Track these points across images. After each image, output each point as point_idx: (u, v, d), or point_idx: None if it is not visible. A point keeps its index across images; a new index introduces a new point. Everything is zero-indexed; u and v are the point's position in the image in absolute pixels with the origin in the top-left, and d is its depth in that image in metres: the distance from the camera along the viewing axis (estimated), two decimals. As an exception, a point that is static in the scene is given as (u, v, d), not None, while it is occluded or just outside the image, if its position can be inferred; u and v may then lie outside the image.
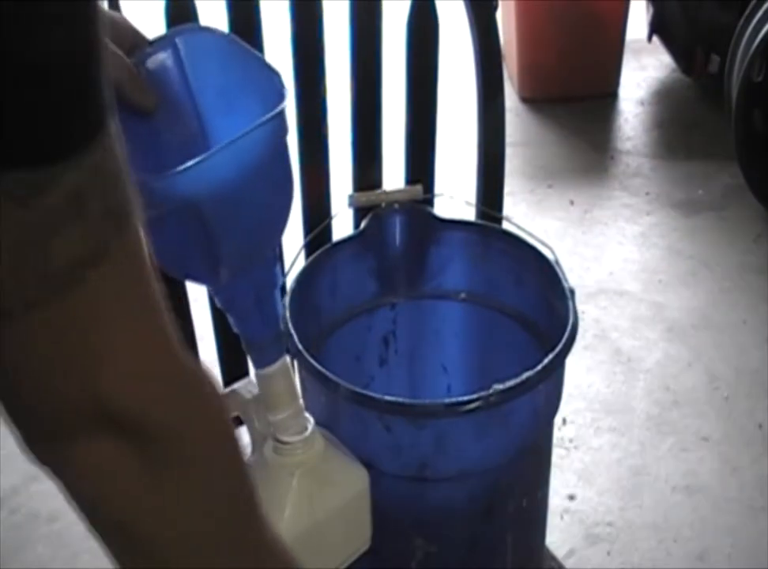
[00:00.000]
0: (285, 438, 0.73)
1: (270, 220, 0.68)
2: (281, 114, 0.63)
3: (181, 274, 0.68)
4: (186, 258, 0.65)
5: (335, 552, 0.76)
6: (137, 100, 0.65)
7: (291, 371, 0.74)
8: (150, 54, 0.66)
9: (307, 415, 0.75)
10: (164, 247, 0.64)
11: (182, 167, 0.60)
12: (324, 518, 0.73)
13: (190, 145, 0.69)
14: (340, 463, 0.76)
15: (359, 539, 0.78)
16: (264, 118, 0.62)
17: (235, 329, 0.71)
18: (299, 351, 0.77)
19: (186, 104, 0.68)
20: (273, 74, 0.65)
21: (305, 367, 0.77)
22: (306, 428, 0.74)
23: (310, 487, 0.73)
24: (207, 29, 0.67)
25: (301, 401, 0.75)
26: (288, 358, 0.73)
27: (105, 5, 0.69)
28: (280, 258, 1.04)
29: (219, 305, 0.69)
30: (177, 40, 0.66)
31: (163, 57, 0.67)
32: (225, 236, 0.63)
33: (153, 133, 0.68)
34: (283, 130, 0.65)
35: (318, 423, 0.81)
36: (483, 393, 0.72)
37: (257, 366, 0.72)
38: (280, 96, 0.64)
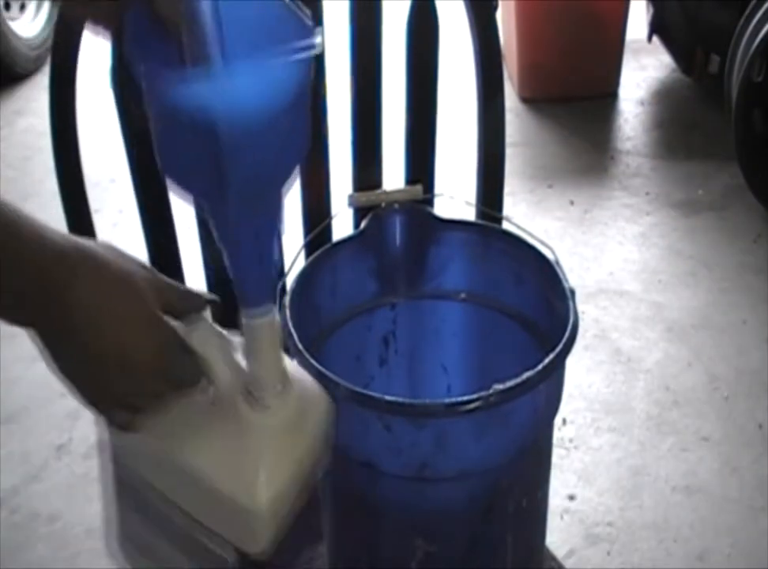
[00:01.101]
0: (264, 398, 0.70)
1: (282, 161, 0.66)
2: (309, 60, 0.62)
3: (188, 188, 0.66)
4: (196, 173, 0.63)
5: (304, 477, 0.74)
6: (164, 11, 0.63)
7: (280, 331, 0.71)
8: None
9: (286, 365, 0.72)
10: (176, 156, 0.64)
11: (205, 73, 0.59)
12: (300, 462, 0.72)
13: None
14: (310, 403, 0.74)
15: (322, 458, 0.76)
16: (295, 53, 0.61)
17: (230, 271, 0.68)
18: (299, 351, 0.77)
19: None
20: (306, 28, 0.63)
21: (305, 366, 0.77)
22: (283, 386, 0.71)
23: (288, 437, 0.71)
24: None
25: (286, 359, 0.73)
26: (277, 314, 0.70)
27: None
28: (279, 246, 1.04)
29: (217, 240, 0.67)
30: None
31: None
32: (236, 159, 0.61)
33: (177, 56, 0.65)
34: (309, 76, 0.64)
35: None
36: (483, 393, 0.72)
37: (245, 314, 0.69)
38: (310, 45, 0.62)
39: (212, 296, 0.73)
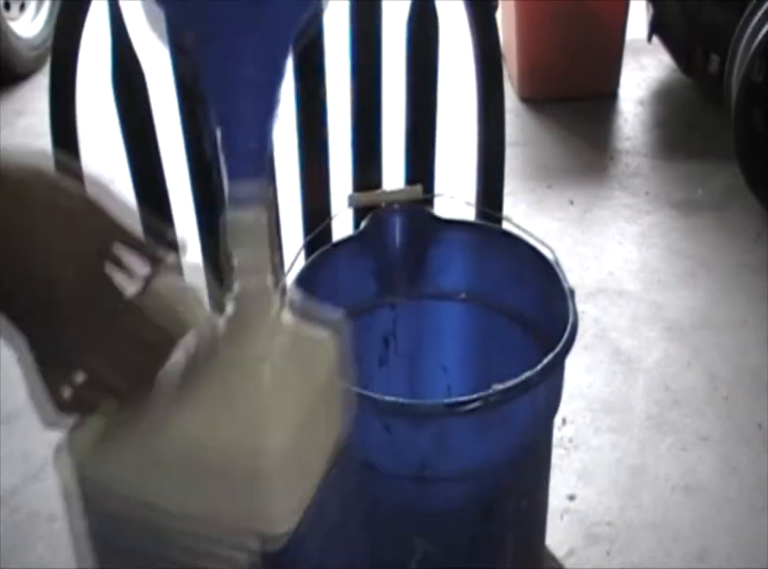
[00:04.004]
0: (251, 321, 0.59)
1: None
2: None
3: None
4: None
5: (319, 449, 0.63)
6: None
7: (269, 228, 0.60)
8: None
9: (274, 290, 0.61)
10: None
11: None
12: (310, 404, 0.60)
13: None
14: (309, 337, 0.62)
15: (341, 419, 0.65)
16: None
17: (221, 146, 0.60)
18: (299, 351, 0.77)
19: None
20: None
21: (305, 367, 0.77)
22: (271, 305, 0.60)
23: (288, 377, 0.60)
24: None
25: (272, 259, 0.60)
26: (266, 211, 0.60)
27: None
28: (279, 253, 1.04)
29: (215, 111, 0.60)
30: None
31: None
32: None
33: None
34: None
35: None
36: (483, 393, 0.72)
37: (232, 200, 0.59)
38: None
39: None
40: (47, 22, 3.39)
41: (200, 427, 0.59)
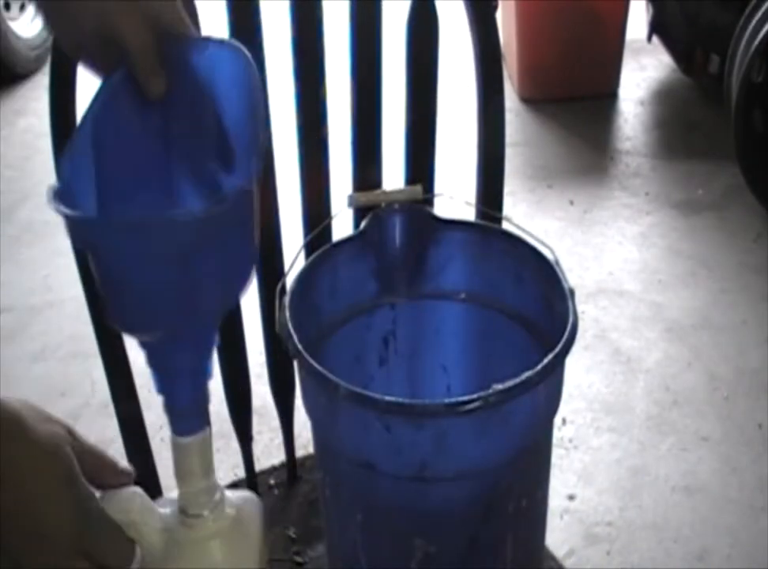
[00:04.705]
0: (194, 511, 0.68)
1: (219, 299, 0.64)
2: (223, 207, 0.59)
3: (123, 325, 0.64)
4: (133, 309, 0.61)
5: None
6: (142, 79, 0.63)
7: (211, 446, 0.68)
8: (185, 49, 0.64)
9: (221, 489, 0.70)
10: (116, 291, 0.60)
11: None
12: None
13: (201, 154, 0.67)
14: (242, 550, 0.71)
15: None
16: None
17: (158, 392, 0.66)
18: (299, 351, 0.77)
19: (205, 114, 0.66)
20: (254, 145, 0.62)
21: (305, 367, 0.77)
22: (214, 504, 0.69)
23: (225, 553, 0.69)
24: (245, 56, 0.64)
25: (215, 477, 0.69)
26: (209, 431, 0.68)
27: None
28: (277, 258, 1.04)
29: (147, 363, 0.65)
30: (217, 49, 0.64)
31: (196, 57, 0.64)
32: (169, 296, 0.60)
33: (168, 122, 0.66)
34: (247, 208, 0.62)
35: (317, 423, 0.81)
36: (483, 393, 0.72)
37: (176, 433, 0.66)
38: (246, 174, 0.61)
39: (130, 470, 0.68)
40: (47, 22, 3.38)
41: None
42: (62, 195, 0.58)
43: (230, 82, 0.65)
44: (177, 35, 0.65)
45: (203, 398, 0.67)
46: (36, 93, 3.20)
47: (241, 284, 0.66)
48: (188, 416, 0.66)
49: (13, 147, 2.95)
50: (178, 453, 0.67)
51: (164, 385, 0.65)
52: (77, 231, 0.58)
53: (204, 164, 0.67)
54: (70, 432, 0.62)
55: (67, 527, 0.59)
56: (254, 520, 0.72)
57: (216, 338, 0.66)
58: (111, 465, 0.64)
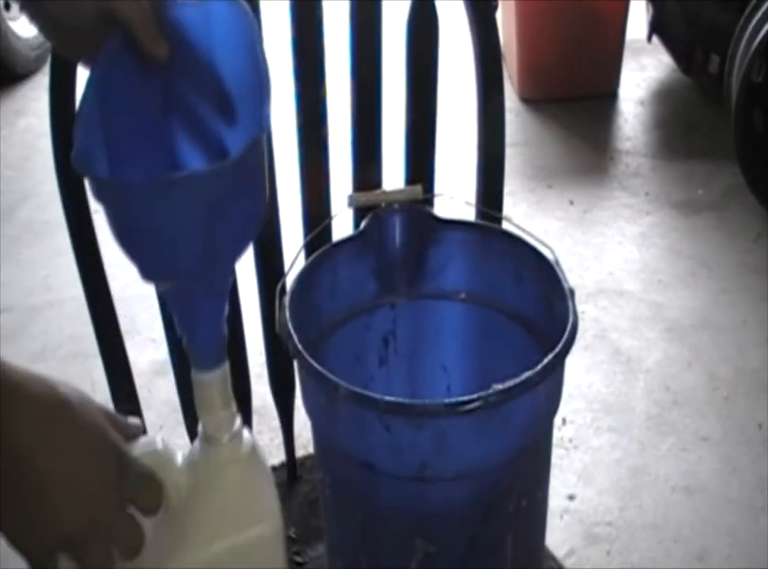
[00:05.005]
0: (216, 436, 0.72)
1: (235, 239, 0.67)
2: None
3: (140, 265, 0.66)
4: (148, 250, 0.64)
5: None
6: (146, 47, 0.64)
7: (229, 379, 0.72)
8: (181, 7, 0.65)
9: (238, 420, 0.74)
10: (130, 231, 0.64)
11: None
12: (233, 545, 0.72)
13: (203, 114, 0.69)
14: (262, 486, 0.74)
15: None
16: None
17: (179, 331, 0.70)
18: (299, 351, 0.77)
19: (204, 71, 0.67)
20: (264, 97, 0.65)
21: (305, 367, 0.77)
22: (235, 430, 0.72)
23: (259, 462, 0.73)
24: (243, 8, 0.65)
25: (234, 407, 0.73)
26: (227, 366, 0.71)
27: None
28: (277, 258, 1.04)
29: (168, 305, 0.69)
30: (213, 5, 0.65)
31: (192, 14, 0.65)
32: (188, 240, 0.63)
33: (168, 84, 0.67)
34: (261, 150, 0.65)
35: (317, 423, 0.81)
36: (483, 393, 0.72)
37: (198, 369, 0.70)
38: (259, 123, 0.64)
39: (139, 423, 0.72)
40: (47, 22, 3.39)
41: (209, 532, 0.70)
42: (80, 160, 0.61)
43: (228, 34, 0.66)
44: None
45: (221, 336, 0.70)
46: (36, 93, 3.20)
47: (255, 226, 0.69)
48: (209, 354, 0.70)
49: (13, 147, 2.95)
50: (201, 388, 0.71)
51: (186, 327, 0.69)
52: (104, 193, 0.61)
53: (204, 120, 0.69)
54: (88, 397, 0.65)
55: (106, 482, 0.63)
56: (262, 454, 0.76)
57: (232, 278, 0.70)
58: (124, 421, 0.69)
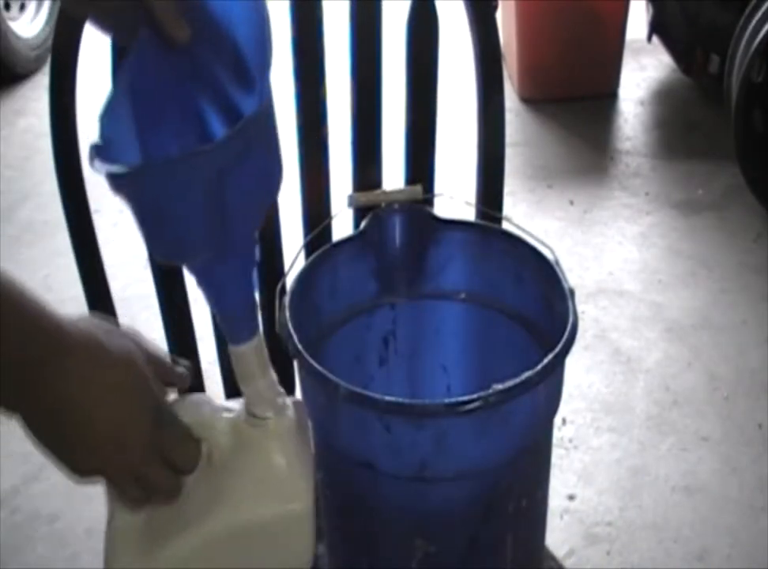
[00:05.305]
0: (267, 412, 0.74)
1: (253, 204, 0.68)
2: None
3: (159, 247, 0.67)
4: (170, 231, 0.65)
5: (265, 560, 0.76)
6: (167, 29, 0.65)
7: (265, 349, 0.74)
8: None
9: (281, 390, 0.76)
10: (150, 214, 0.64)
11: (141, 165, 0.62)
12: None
13: (225, 85, 0.69)
14: (296, 465, 0.76)
15: (295, 557, 0.78)
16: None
17: (211, 307, 0.71)
18: (299, 351, 0.77)
19: (227, 46, 0.68)
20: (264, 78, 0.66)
21: (305, 367, 0.77)
22: (278, 404, 0.75)
23: (299, 440, 0.75)
24: None
25: (274, 375, 0.75)
26: (261, 334, 0.73)
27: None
28: (277, 258, 1.04)
29: (196, 282, 0.70)
30: None
31: None
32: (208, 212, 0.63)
33: (193, 65, 0.68)
34: (273, 117, 0.66)
35: (317, 423, 0.81)
36: (483, 393, 0.72)
37: (232, 342, 0.72)
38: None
39: (186, 364, 0.74)
40: (47, 22, 3.39)
41: (242, 500, 0.72)
42: (102, 152, 0.62)
43: (238, 7, 0.68)
44: None
45: (252, 308, 0.72)
46: (36, 93, 3.20)
47: (272, 195, 0.70)
48: (241, 327, 0.72)
49: (13, 147, 2.95)
50: (238, 360, 0.72)
51: (217, 302, 0.70)
52: (118, 184, 0.62)
53: (226, 92, 0.70)
54: (137, 342, 0.68)
55: (143, 432, 0.65)
56: (304, 418, 0.78)
57: (257, 248, 0.70)
58: (170, 369, 0.71)
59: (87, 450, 0.65)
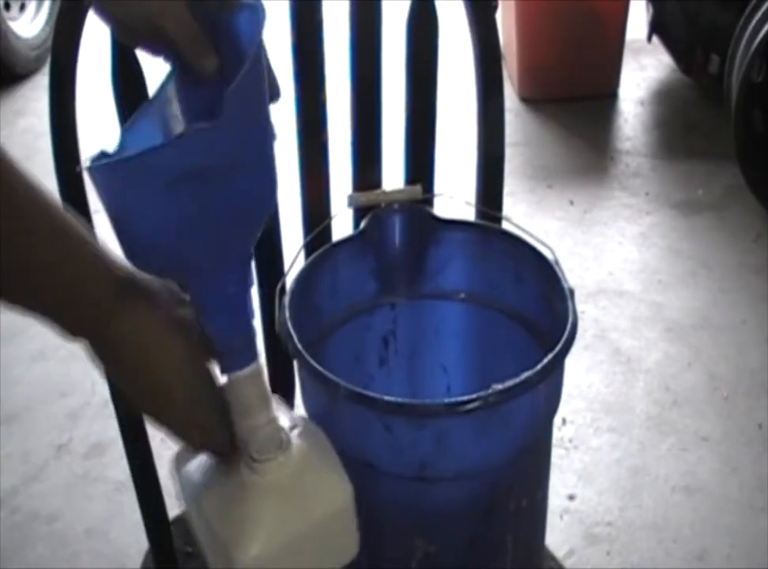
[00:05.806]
0: (259, 456, 0.68)
1: (244, 230, 0.66)
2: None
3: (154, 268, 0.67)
4: (160, 252, 0.64)
5: (317, 563, 0.74)
6: (194, 61, 0.65)
7: (264, 378, 0.69)
8: (232, 14, 0.66)
9: (284, 425, 0.71)
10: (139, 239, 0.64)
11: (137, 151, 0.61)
12: (303, 533, 0.70)
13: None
14: (321, 476, 0.71)
15: (343, 551, 0.75)
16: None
17: (207, 330, 0.68)
18: (299, 351, 0.77)
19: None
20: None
21: (305, 367, 0.77)
22: (281, 443, 0.69)
23: (288, 505, 0.69)
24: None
25: (274, 410, 0.70)
26: (260, 363, 0.69)
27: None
28: (277, 258, 1.04)
29: (190, 300, 0.68)
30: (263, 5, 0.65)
31: (243, 19, 0.66)
32: (197, 234, 0.63)
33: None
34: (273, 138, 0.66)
35: (318, 423, 0.81)
36: (483, 393, 0.72)
37: (227, 370, 0.68)
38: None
39: None
40: (47, 22, 3.39)
41: (218, 505, 0.70)
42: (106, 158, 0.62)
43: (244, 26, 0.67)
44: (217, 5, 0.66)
45: (248, 333, 0.68)
46: (36, 93, 3.20)
47: (262, 211, 0.67)
48: (236, 351, 0.67)
49: (13, 147, 2.90)
50: (233, 389, 0.68)
51: (209, 321, 0.67)
52: (94, 180, 0.61)
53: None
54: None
55: (184, 395, 0.66)
56: (325, 487, 0.72)
57: (251, 266, 0.68)
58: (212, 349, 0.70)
59: (162, 399, 0.66)
